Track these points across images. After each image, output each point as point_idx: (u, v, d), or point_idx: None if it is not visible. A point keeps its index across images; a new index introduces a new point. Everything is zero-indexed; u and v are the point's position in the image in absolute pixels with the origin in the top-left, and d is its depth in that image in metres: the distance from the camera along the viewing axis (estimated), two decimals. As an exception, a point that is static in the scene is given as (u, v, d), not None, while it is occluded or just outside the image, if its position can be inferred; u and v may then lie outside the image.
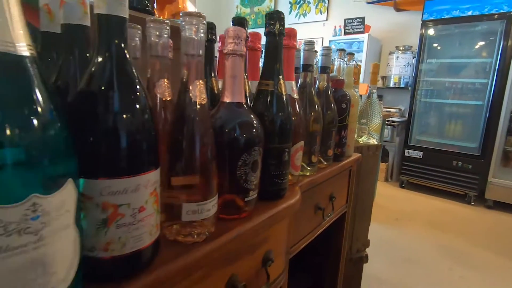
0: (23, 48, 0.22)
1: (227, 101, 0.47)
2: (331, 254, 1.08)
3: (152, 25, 0.42)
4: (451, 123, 3.14)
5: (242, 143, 0.45)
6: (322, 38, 4.20)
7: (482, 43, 2.87)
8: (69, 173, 0.25)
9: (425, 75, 3.17)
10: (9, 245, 0.21)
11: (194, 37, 0.37)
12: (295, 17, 4.43)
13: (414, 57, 3.36)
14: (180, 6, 0.81)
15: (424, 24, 3.02)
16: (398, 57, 3.51)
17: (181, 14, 0.37)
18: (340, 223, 1.02)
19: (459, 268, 1.79)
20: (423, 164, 3.09)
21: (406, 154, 3.21)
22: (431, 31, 3.06)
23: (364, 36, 3.57)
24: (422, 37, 3.07)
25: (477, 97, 2.91)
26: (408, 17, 3.60)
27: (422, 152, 3.11)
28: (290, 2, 4.43)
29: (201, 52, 0.38)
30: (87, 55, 0.37)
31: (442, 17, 2.91)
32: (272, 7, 4.55)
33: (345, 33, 3.84)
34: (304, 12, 4.34)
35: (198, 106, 0.38)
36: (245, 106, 0.48)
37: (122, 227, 0.31)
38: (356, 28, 3.77)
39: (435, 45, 3.11)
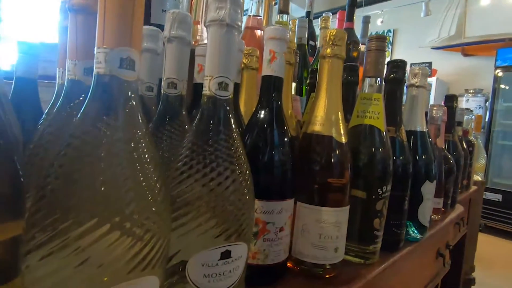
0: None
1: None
2: (452, 271, 1.36)
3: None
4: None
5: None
6: (386, 81, 4.56)
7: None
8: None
9: (500, 117, 3.38)
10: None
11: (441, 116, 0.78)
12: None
13: (486, 100, 3.59)
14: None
15: (497, 69, 3.31)
16: (468, 99, 3.76)
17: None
18: (460, 242, 1.32)
19: None
20: (503, 208, 3.17)
21: (483, 196, 3.32)
22: (505, 75, 3.32)
23: (432, 80, 3.88)
24: (495, 81, 3.34)
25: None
26: (477, 62, 3.86)
27: (501, 195, 3.21)
28: (353, 47, 4.91)
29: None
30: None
31: (517, 64, 3.19)
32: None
33: (412, 77, 4.19)
34: (368, 57, 4.77)
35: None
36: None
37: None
38: (423, 72, 4.12)
39: (508, 87, 3.35)
